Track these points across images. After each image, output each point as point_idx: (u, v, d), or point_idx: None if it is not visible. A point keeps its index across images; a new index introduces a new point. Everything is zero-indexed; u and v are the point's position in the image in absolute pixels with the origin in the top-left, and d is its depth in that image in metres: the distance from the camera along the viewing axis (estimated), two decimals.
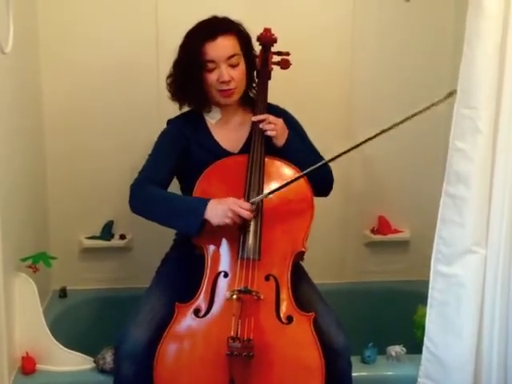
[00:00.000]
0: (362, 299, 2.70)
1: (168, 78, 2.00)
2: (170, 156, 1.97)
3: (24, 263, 2.03)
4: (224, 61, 1.89)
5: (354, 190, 2.71)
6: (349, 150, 1.77)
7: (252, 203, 1.78)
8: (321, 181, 1.96)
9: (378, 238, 2.73)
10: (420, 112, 1.71)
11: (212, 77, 1.90)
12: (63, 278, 2.60)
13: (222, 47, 1.89)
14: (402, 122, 1.72)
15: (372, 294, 2.72)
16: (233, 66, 1.91)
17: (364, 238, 2.76)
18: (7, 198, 1.91)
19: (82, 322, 2.54)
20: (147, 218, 1.87)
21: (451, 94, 1.71)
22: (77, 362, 2.01)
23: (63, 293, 2.57)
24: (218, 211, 1.74)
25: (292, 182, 1.80)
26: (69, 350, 2.02)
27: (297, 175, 1.83)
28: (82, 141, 2.54)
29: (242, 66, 1.94)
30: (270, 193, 1.80)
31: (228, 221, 1.74)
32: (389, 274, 2.76)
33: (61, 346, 2.01)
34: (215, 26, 1.90)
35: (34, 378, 1.96)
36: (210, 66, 1.89)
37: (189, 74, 1.91)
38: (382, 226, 2.73)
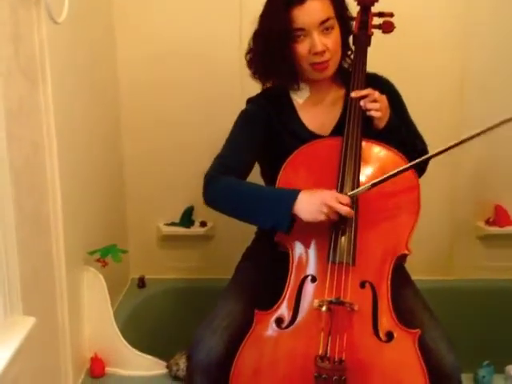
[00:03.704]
0: (474, 300, 2.40)
1: (248, 53, 1.73)
2: (249, 140, 1.71)
3: (92, 257, 1.86)
4: (316, 27, 1.59)
5: (466, 173, 2.41)
6: (460, 143, 1.47)
7: (351, 196, 1.49)
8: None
9: (494, 230, 2.42)
10: None
11: (302, 48, 1.62)
12: (142, 265, 2.50)
13: (312, 11, 1.59)
14: None
15: (486, 295, 2.42)
16: (326, 33, 1.61)
17: (477, 230, 2.46)
18: (85, 184, 1.83)
19: (160, 314, 2.41)
20: (224, 212, 1.64)
21: None
22: (148, 366, 1.87)
23: (142, 282, 2.45)
24: (311, 206, 1.47)
25: (401, 171, 1.50)
26: (140, 353, 1.87)
27: (406, 165, 1.52)
28: (160, 121, 2.38)
29: (337, 32, 1.64)
30: (374, 184, 1.50)
31: (322, 217, 1.46)
32: (507, 271, 2.46)
33: (131, 348, 1.87)
34: None
35: (102, 382, 1.83)
36: (300, 34, 1.60)
37: (273, 47, 1.63)
38: (499, 217, 2.42)
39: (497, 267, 2.46)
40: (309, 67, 1.64)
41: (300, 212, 1.48)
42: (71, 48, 1.76)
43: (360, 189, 1.51)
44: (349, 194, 1.50)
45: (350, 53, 1.75)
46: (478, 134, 1.46)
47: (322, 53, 1.61)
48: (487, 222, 2.44)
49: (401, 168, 1.51)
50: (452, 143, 1.48)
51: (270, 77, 1.73)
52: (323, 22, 1.60)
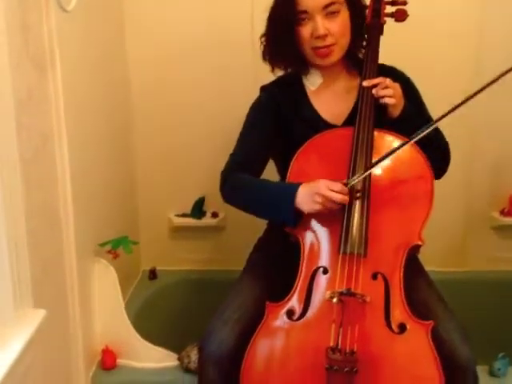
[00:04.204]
0: (489, 292, 2.36)
1: (262, 36, 1.71)
2: (261, 134, 1.71)
3: (103, 248, 1.85)
4: (319, 11, 1.57)
5: (480, 162, 2.35)
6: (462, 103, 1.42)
7: (346, 184, 1.48)
8: (437, 156, 1.62)
9: (509, 220, 2.37)
10: None
11: (305, 31, 1.60)
12: (153, 257, 2.48)
13: None
14: None
15: (501, 286, 2.37)
16: (330, 17, 1.59)
17: (492, 220, 2.41)
18: (95, 175, 1.82)
19: (172, 305, 2.39)
20: (242, 209, 1.67)
21: None
22: (160, 358, 1.85)
23: (153, 274, 2.43)
24: (307, 197, 1.48)
25: (398, 149, 1.47)
26: (151, 345, 1.85)
27: (403, 141, 1.49)
28: (171, 112, 2.35)
29: (344, 17, 1.61)
30: (370, 167, 1.49)
31: (318, 207, 1.46)
32: None
33: (142, 340, 1.85)
34: None
35: (113, 374, 1.82)
36: (304, 17, 1.59)
37: (279, 30, 1.62)
38: None
39: (511, 258, 2.41)
40: (311, 52, 1.62)
41: (300, 205, 1.49)
42: (81, 37, 1.74)
43: (356, 176, 1.48)
44: (345, 182, 1.49)
45: (364, 43, 1.72)
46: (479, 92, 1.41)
47: (324, 37, 1.59)
48: (502, 213, 2.38)
49: (399, 144, 1.48)
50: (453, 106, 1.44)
51: (277, 60, 1.70)
52: (327, 6, 1.57)
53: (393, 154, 1.47)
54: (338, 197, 1.45)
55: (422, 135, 1.45)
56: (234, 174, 1.65)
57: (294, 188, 1.50)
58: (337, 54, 1.63)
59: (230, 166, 1.68)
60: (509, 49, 2.21)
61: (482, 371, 1.65)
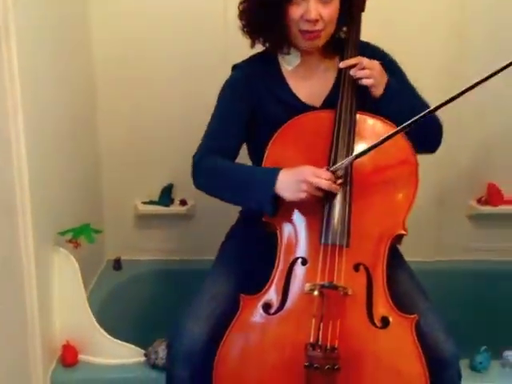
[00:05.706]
0: (466, 283, 2.32)
1: (241, 3, 1.59)
2: (236, 114, 1.61)
3: (64, 237, 1.73)
4: None
5: (458, 150, 2.29)
6: (457, 96, 1.36)
7: (334, 171, 1.40)
8: (425, 132, 1.55)
9: (487, 209, 2.34)
10: None
11: (295, 11, 1.48)
12: (118, 246, 2.38)
13: None
14: None
15: (478, 277, 2.33)
16: (324, 2, 1.48)
17: (468, 209, 2.37)
18: (55, 159, 1.71)
19: (138, 297, 2.29)
20: (214, 195, 1.57)
21: None
22: (125, 353, 1.74)
23: (118, 264, 2.33)
24: (291, 184, 1.39)
25: (386, 139, 1.39)
26: (115, 340, 1.75)
27: (392, 131, 1.41)
28: (138, 94, 2.24)
29: (336, 3, 1.51)
30: (356, 156, 1.41)
31: (303, 195, 1.38)
32: (499, 252, 2.37)
33: (106, 335, 1.75)
34: None
35: (75, 371, 1.71)
36: None
37: (268, 3, 1.50)
38: (492, 196, 2.34)
39: (487, 248, 2.38)
40: (297, 33, 1.52)
41: (282, 192, 1.40)
42: (39, 13, 1.61)
43: (341, 163, 1.41)
44: (331, 168, 1.40)
45: (344, 29, 1.62)
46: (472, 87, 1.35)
47: (315, 22, 1.48)
48: (479, 201, 2.35)
49: (386, 135, 1.40)
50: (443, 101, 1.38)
51: (259, 34, 1.59)
52: None
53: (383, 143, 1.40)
54: (326, 183, 1.37)
55: (412, 121, 1.38)
56: (208, 157, 1.55)
57: (274, 173, 1.41)
58: (323, 39, 1.54)
59: (203, 150, 1.58)
60: (491, 23, 2.18)
61: (463, 365, 1.59)
